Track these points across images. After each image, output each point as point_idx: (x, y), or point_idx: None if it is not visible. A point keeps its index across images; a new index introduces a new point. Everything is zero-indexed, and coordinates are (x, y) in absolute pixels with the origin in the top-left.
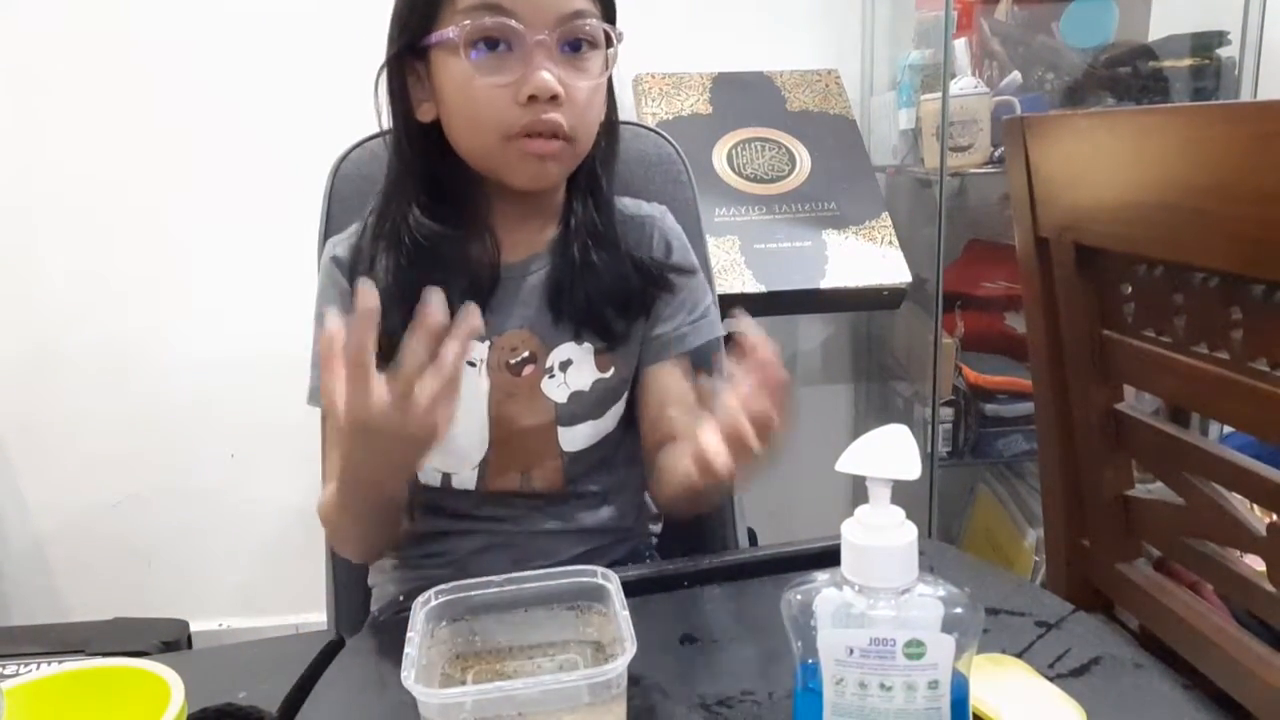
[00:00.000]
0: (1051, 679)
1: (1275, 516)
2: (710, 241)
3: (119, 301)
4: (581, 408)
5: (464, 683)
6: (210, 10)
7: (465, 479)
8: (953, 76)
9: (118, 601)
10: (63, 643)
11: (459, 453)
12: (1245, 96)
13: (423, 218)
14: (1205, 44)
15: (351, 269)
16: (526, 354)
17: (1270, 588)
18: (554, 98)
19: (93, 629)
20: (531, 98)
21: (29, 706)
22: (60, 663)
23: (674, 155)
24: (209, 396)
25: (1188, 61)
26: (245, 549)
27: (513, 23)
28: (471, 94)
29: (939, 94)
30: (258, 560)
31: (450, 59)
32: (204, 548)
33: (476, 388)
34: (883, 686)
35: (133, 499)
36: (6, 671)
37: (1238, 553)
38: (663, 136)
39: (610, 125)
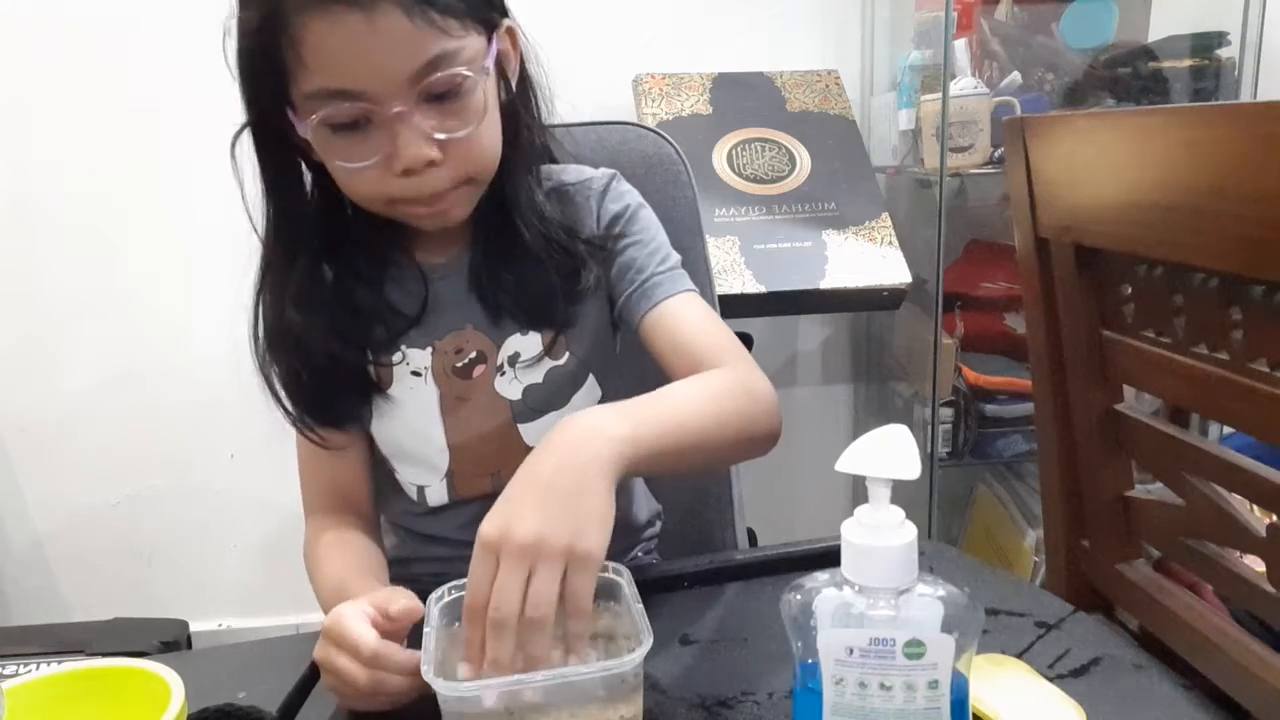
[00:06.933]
0: (1051, 679)
1: (1275, 517)
2: (710, 241)
3: (119, 301)
4: (538, 400)
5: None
6: (211, 9)
7: (437, 492)
8: (953, 77)
9: (118, 601)
10: (63, 643)
11: (423, 465)
12: (1245, 97)
13: (323, 274)
14: (1205, 45)
15: None
16: (474, 354)
17: (1270, 588)
18: (431, 162)
19: (93, 629)
20: (406, 169)
21: (29, 706)
22: (60, 663)
23: (674, 155)
24: (209, 396)
25: (1188, 62)
26: (245, 549)
27: (364, 104)
28: (344, 174)
29: (939, 94)
30: (258, 560)
31: (315, 136)
32: (204, 548)
33: (424, 398)
34: (883, 686)
35: (133, 499)
36: (6, 671)
37: (1238, 553)
38: (662, 137)
39: (514, 114)
